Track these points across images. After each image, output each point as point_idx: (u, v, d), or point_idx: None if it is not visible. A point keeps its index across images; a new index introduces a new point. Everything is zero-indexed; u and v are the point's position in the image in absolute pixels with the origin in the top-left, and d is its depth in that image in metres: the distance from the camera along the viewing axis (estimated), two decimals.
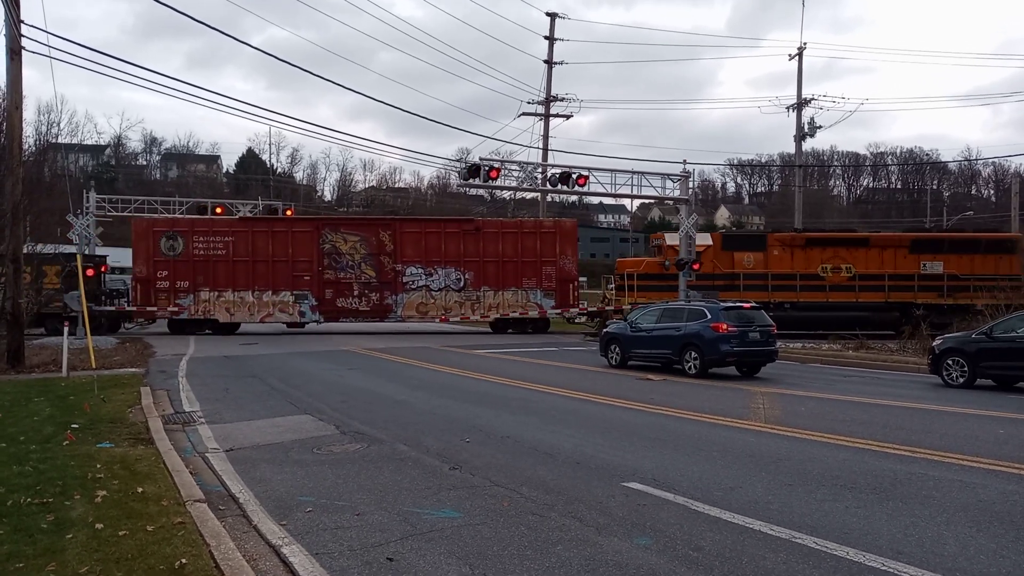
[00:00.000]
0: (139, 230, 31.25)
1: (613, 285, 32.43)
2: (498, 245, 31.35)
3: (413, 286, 31.32)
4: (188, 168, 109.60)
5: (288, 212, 39.37)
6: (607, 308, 31.06)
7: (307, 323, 31.64)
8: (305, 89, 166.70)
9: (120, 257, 40.73)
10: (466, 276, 31.33)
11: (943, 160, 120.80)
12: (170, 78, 68.41)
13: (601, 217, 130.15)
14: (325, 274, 30.96)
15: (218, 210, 37.89)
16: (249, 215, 35.52)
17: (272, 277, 30.62)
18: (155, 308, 30.62)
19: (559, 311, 31.68)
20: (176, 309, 30.48)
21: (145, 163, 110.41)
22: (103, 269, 32.31)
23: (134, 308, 31.07)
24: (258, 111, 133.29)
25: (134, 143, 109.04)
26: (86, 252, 29.29)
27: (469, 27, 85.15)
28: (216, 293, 30.58)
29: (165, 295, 30.38)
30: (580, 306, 32.33)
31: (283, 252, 30.56)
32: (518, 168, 27.37)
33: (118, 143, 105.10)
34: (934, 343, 16.88)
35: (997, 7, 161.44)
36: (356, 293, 30.95)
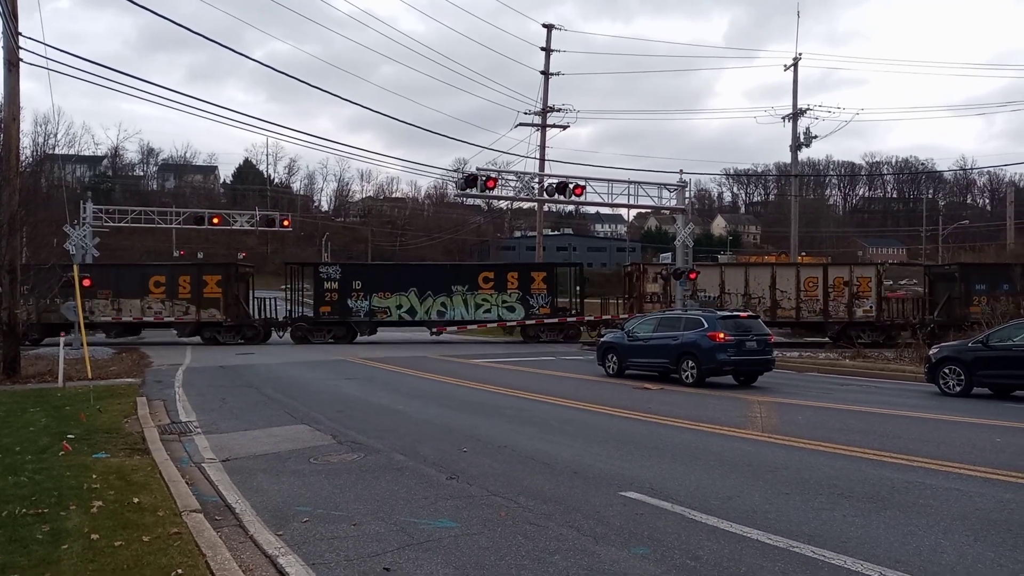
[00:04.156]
0: None
1: None
2: None
3: None
4: (185, 179, 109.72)
5: (285, 223, 39.37)
6: None
7: None
8: (305, 101, 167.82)
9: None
10: None
11: (938, 169, 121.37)
12: (169, 90, 68.59)
13: (598, 227, 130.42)
14: None
15: (215, 220, 37.90)
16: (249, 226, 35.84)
17: None
18: None
19: None
20: None
21: (142, 174, 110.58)
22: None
23: None
24: (257, 122, 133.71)
25: (131, 154, 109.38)
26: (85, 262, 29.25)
27: (469, 40, 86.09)
28: None
29: None
30: None
31: None
32: (515, 178, 27.43)
33: (115, 154, 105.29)
34: (931, 352, 16.88)
35: (989, 19, 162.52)
36: None
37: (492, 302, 32.27)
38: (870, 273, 31.74)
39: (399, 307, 32.32)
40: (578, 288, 33.93)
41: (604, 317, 33.46)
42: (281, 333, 32.81)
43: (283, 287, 34.94)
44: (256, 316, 32.77)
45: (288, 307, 33.17)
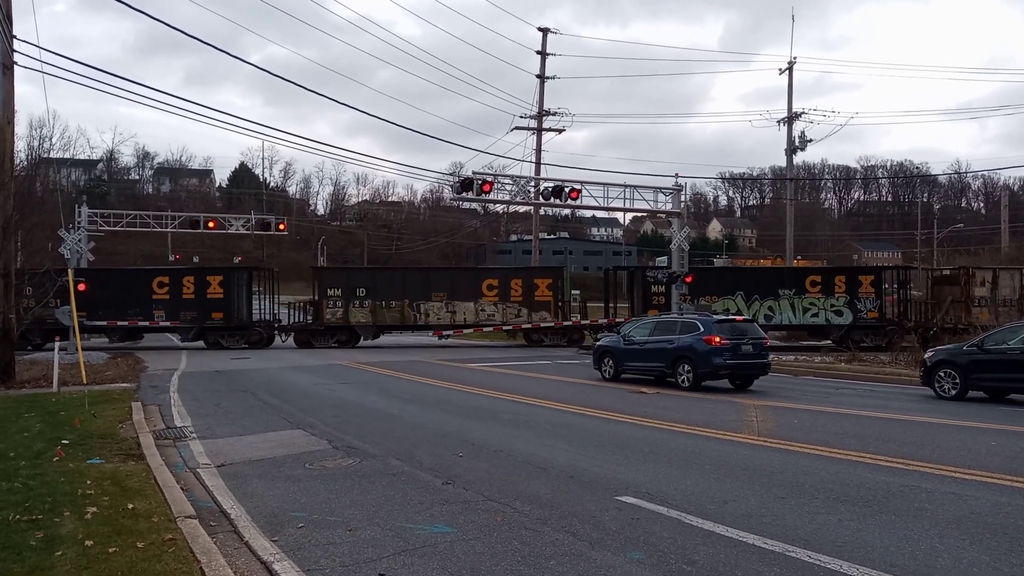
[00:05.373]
0: None
1: None
2: None
3: None
4: (181, 182, 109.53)
5: (281, 227, 39.33)
6: None
7: None
8: (302, 105, 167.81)
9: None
10: None
11: (933, 173, 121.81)
12: (165, 94, 68.47)
13: (594, 230, 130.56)
14: None
15: (210, 224, 37.81)
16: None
17: None
18: None
19: None
20: None
21: (138, 177, 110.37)
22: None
23: None
24: (253, 126, 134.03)
25: (127, 158, 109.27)
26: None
27: (466, 45, 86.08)
28: None
29: None
30: None
31: None
32: (511, 182, 27.43)
33: (110, 157, 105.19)
34: (926, 355, 16.92)
35: (982, 24, 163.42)
36: None
37: (820, 306, 31.64)
38: None
39: (726, 311, 31.80)
40: (902, 291, 32.45)
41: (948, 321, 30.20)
42: (599, 336, 33.15)
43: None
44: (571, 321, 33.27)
45: (607, 312, 33.45)
